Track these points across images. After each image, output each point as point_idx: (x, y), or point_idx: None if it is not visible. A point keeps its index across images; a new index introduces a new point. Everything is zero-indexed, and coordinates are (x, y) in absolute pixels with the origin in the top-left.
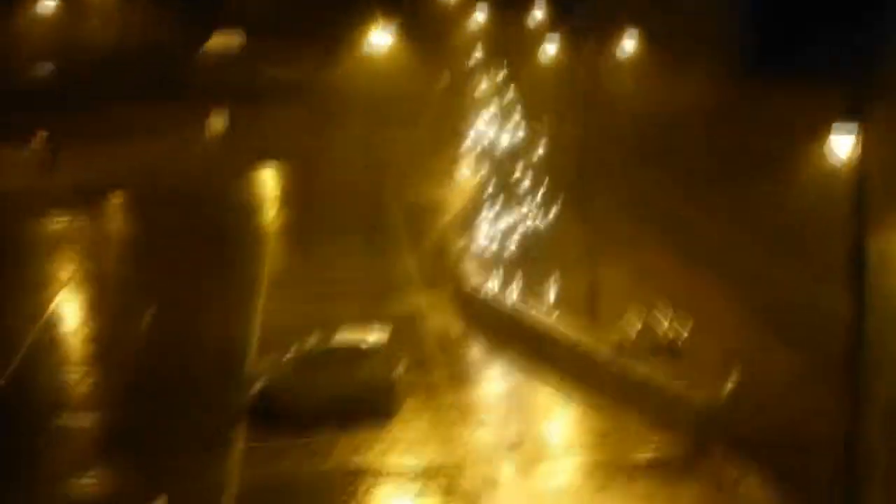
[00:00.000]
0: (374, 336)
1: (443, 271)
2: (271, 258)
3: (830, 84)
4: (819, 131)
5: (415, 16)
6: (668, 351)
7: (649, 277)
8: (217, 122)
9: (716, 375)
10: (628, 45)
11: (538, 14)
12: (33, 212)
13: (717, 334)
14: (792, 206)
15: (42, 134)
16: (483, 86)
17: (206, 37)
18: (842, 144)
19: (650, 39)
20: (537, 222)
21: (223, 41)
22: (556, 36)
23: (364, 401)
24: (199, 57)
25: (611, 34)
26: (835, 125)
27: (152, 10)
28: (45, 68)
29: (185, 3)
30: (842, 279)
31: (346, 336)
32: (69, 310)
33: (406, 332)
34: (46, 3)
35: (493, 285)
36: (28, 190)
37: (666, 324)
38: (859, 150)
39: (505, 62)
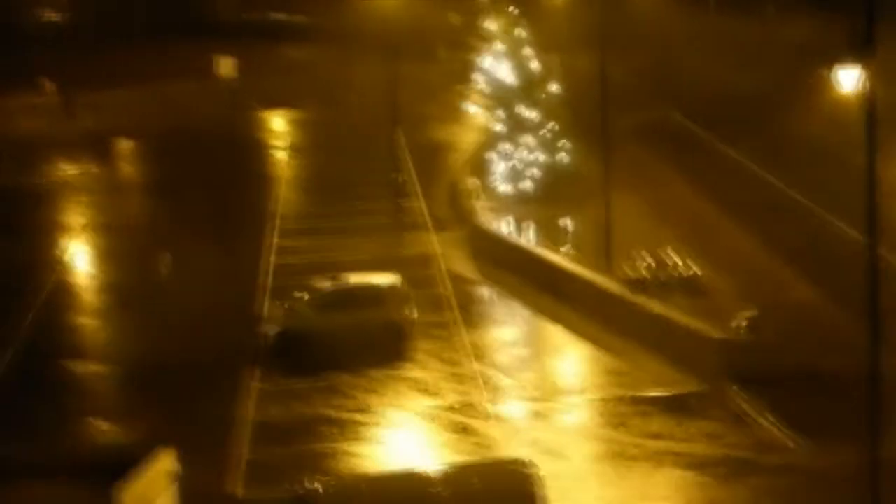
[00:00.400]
0: (385, 279)
1: (456, 211)
2: (284, 200)
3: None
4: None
5: None
6: (684, 287)
7: (666, 212)
8: (227, 65)
9: (732, 311)
10: None
11: None
12: (48, 158)
13: (733, 269)
14: (805, 137)
15: (50, 82)
16: (494, 23)
17: None
18: (848, 76)
19: None
20: (551, 158)
21: None
22: None
23: (379, 341)
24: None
25: None
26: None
27: None
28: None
29: None
30: (856, 210)
31: (358, 279)
32: (84, 257)
33: (420, 272)
34: None
35: (506, 224)
36: (43, 135)
37: (681, 261)
38: (866, 83)
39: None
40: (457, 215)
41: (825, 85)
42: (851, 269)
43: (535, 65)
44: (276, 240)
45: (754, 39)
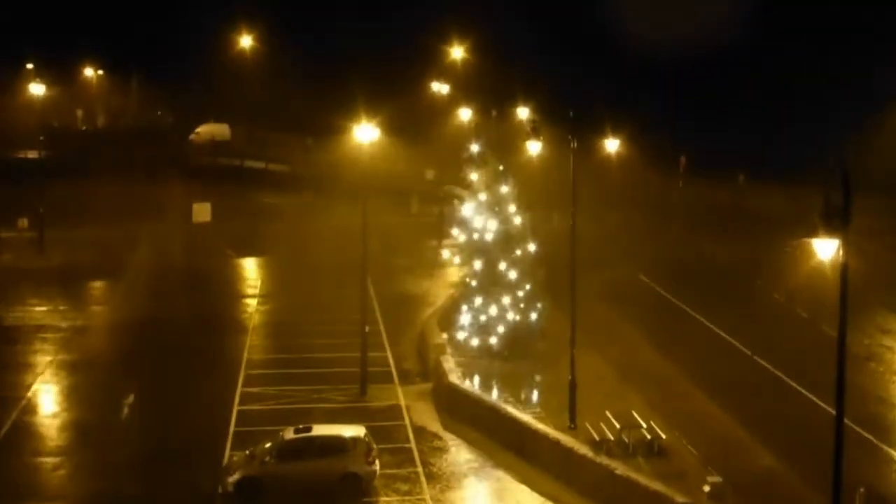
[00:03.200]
0: (350, 430)
1: (423, 364)
2: (252, 347)
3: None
4: (801, 231)
5: (401, 111)
6: (647, 450)
7: (632, 375)
8: (201, 211)
9: (696, 475)
10: (612, 143)
11: (525, 111)
12: (17, 294)
13: (698, 434)
14: (776, 310)
15: (24, 218)
16: (474, 177)
17: (196, 125)
18: (824, 247)
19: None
20: (522, 316)
21: (211, 130)
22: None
23: (338, 492)
24: (187, 144)
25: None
26: (817, 228)
27: (144, 97)
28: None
29: (177, 92)
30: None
31: (323, 430)
32: (48, 395)
33: (385, 424)
34: (37, 86)
35: (473, 379)
36: (14, 270)
37: (645, 424)
38: (842, 254)
39: (495, 156)
40: (424, 368)
41: (794, 255)
42: (818, 438)
43: (511, 221)
44: (240, 386)
45: (724, 208)
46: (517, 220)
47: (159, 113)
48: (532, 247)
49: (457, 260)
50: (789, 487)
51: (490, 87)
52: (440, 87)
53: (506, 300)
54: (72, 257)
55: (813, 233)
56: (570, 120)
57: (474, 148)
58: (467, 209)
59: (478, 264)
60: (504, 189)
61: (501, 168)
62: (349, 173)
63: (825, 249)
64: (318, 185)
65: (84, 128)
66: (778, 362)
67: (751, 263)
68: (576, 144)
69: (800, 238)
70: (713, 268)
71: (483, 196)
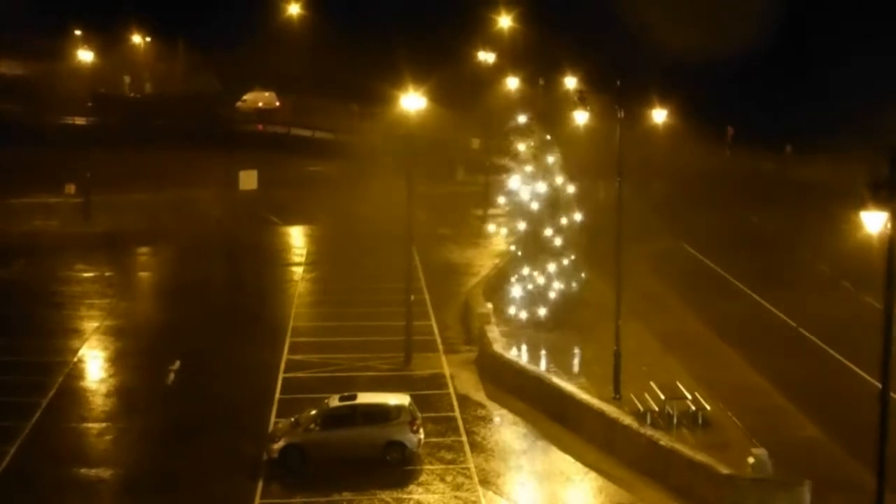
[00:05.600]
0: (394, 399)
1: (467, 333)
2: (297, 314)
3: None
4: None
5: (447, 79)
6: (692, 420)
7: (676, 345)
8: (248, 178)
9: (741, 446)
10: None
11: (572, 81)
12: (64, 259)
13: (741, 403)
14: (821, 280)
15: (71, 184)
16: (521, 147)
17: (242, 93)
18: (872, 219)
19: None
20: (566, 285)
21: (258, 98)
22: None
23: (384, 462)
24: (233, 111)
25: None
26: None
27: (191, 63)
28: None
29: (224, 59)
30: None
31: (367, 398)
32: (94, 361)
33: (429, 392)
34: (85, 52)
35: (517, 349)
36: (61, 237)
37: (689, 394)
38: (889, 226)
39: (541, 126)
40: (468, 338)
41: (840, 226)
42: (862, 410)
43: (557, 191)
44: (286, 354)
45: (769, 178)
46: (564, 190)
47: (204, 78)
48: (578, 216)
49: (503, 231)
50: (833, 458)
51: (538, 56)
52: (487, 56)
53: (551, 268)
54: (118, 224)
55: (861, 205)
56: (618, 89)
57: (521, 118)
58: (514, 180)
59: (522, 227)
60: (550, 159)
61: (548, 138)
62: (395, 141)
63: (873, 222)
64: (364, 154)
65: (131, 94)
66: (823, 333)
67: (796, 233)
68: (622, 114)
69: (848, 209)
70: (759, 238)
71: (529, 167)
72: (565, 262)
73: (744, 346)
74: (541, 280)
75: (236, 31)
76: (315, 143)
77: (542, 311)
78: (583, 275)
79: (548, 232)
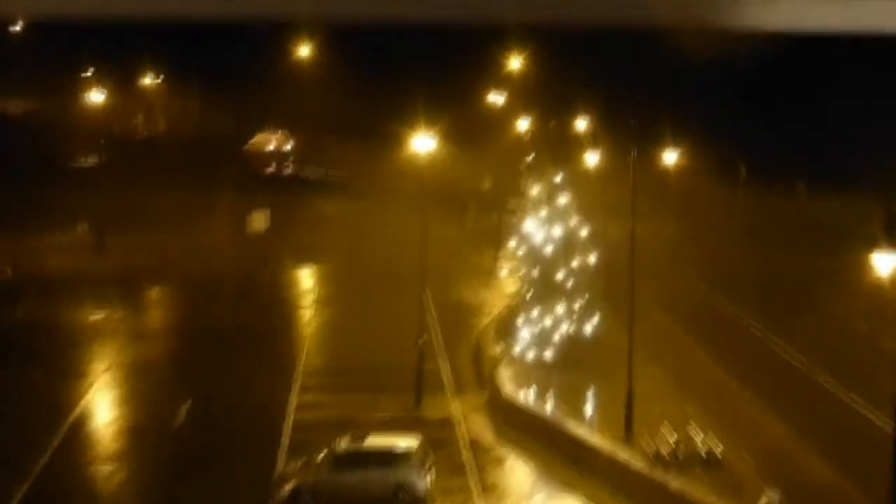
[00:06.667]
0: (405, 441)
1: (479, 374)
2: (308, 356)
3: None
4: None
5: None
6: (704, 463)
7: (689, 386)
8: (259, 219)
9: (754, 488)
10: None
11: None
12: (76, 298)
13: (755, 446)
14: (836, 323)
15: (84, 224)
16: (534, 187)
17: (252, 133)
18: (885, 261)
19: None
20: (578, 326)
21: (268, 139)
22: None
23: (391, 503)
24: (244, 152)
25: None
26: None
27: (203, 103)
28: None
29: (235, 99)
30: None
31: (378, 440)
32: (104, 402)
33: (439, 435)
34: (97, 93)
35: (529, 391)
36: (73, 275)
37: (702, 436)
38: None
39: (553, 166)
40: (479, 379)
41: (856, 267)
42: (875, 452)
43: (572, 231)
44: (297, 394)
45: (783, 216)
46: (578, 231)
47: (217, 119)
48: (592, 257)
49: (516, 272)
50: (847, 502)
51: (549, 94)
52: (497, 97)
53: (561, 310)
54: (130, 263)
55: (874, 245)
56: (631, 129)
57: (532, 158)
58: (528, 223)
59: (535, 274)
60: (563, 200)
61: (561, 178)
62: (407, 181)
63: (886, 263)
64: (376, 193)
65: (144, 133)
66: (838, 376)
67: (811, 274)
68: (636, 154)
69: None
70: (774, 278)
71: (543, 210)
72: (578, 302)
73: (758, 388)
74: (553, 321)
75: (251, 69)
76: (328, 183)
77: (553, 353)
78: (596, 315)
79: (560, 274)
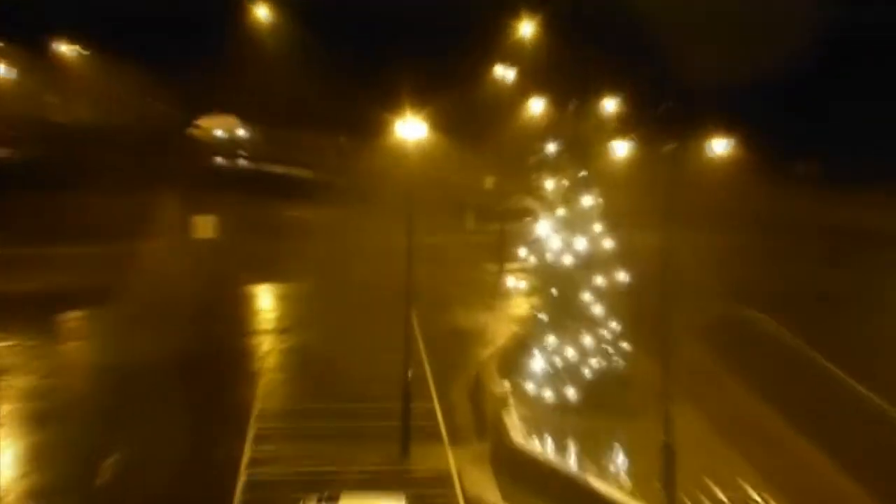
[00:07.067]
0: (387, 500)
1: (479, 419)
2: (265, 395)
3: None
4: None
5: (456, 103)
6: None
7: (736, 433)
8: (204, 225)
9: None
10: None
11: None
12: None
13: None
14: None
15: None
16: (549, 186)
17: (197, 118)
18: None
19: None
20: (603, 358)
21: (216, 123)
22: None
23: None
24: (186, 140)
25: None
26: None
27: (140, 87)
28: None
29: (177, 83)
30: None
31: (354, 501)
32: (6, 454)
33: (430, 495)
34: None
35: (542, 440)
36: None
37: (751, 491)
38: None
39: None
40: (479, 425)
41: None
42: None
43: (597, 242)
44: (251, 445)
45: (843, 228)
46: (604, 242)
47: (150, 101)
48: (622, 275)
49: (524, 287)
50: None
51: (568, 72)
52: (504, 73)
53: (587, 340)
54: (46, 282)
55: None
56: (664, 114)
57: (548, 149)
58: (542, 227)
59: (544, 296)
60: (586, 202)
61: (584, 174)
62: (391, 180)
63: None
64: (353, 195)
65: (61, 121)
66: None
67: (876, 294)
68: (673, 147)
69: None
70: (849, 303)
71: (561, 211)
72: (604, 331)
73: (822, 436)
74: (572, 353)
75: (193, 43)
76: (292, 182)
77: (573, 392)
78: (625, 347)
79: (585, 296)
